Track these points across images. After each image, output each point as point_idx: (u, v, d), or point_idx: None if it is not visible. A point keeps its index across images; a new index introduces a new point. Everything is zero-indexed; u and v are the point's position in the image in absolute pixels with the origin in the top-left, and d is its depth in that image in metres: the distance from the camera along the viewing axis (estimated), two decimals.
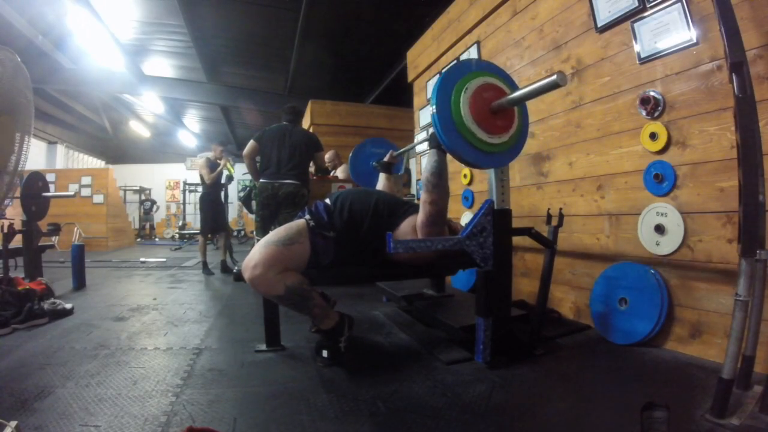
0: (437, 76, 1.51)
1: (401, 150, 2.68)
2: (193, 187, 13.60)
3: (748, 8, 1.48)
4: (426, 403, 1.32)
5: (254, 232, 3.59)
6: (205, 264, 4.60)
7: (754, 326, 1.22)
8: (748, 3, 1.49)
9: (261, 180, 3.33)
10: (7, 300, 2.27)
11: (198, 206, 4.82)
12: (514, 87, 1.58)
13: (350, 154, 3.03)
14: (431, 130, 1.50)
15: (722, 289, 1.59)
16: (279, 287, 1.55)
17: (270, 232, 1.72)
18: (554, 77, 1.23)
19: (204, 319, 2.48)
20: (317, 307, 1.65)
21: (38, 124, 10.34)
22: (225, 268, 4.59)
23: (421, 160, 4.14)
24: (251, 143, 3.42)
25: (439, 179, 1.56)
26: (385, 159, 2.51)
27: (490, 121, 1.48)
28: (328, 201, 1.80)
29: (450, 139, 1.42)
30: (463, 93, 1.44)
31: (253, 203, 4.10)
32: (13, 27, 5.70)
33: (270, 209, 3.27)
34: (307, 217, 1.71)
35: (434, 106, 1.42)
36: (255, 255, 1.57)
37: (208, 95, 8.49)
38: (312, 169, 3.65)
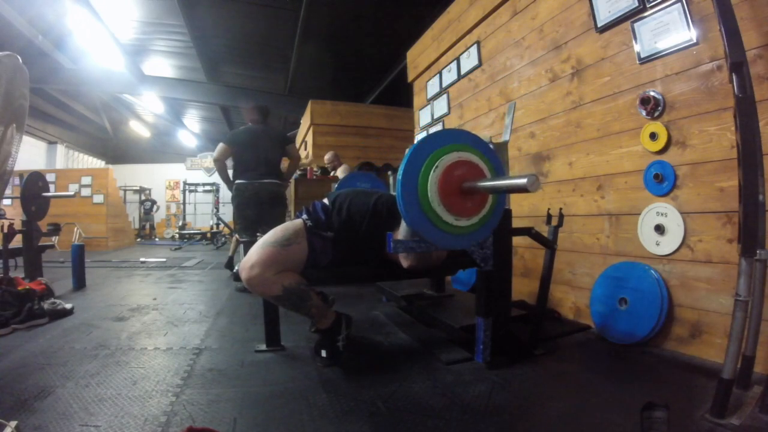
0: (411, 148, 1.41)
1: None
2: (193, 187, 13.63)
3: (748, 8, 1.48)
4: (426, 403, 1.32)
5: (237, 234, 3.53)
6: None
7: (754, 326, 1.22)
8: (748, 3, 1.49)
9: (239, 181, 3.31)
10: (7, 300, 2.27)
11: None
12: (494, 162, 1.44)
13: (344, 170, 3.03)
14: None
15: (722, 289, 1.59)
16: (276, 288, 1.55)
17: (257, 231, 1.71)
18: (524, 181, 1.11)
19: (204, 319, 2.48)
20: (315, 307, 1.65)
21: (38, 124, 10.36)
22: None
23: None
24: (221, 146, 3.36)
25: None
26: None
27: (459, 201, 1.36)
28: (326, 201, 1.79)
29: (412, 218, 1.32)
30: (432, 171, 1.32)
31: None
32: (13, 27, 5.71)
33: (255, 209, 3.27)
34: (305, 217, 1.71)
35: (400, 176, 1.32)
36: (252, 256, 1.57)
37: (208, 95, 8.50)
38: (284, 165, 3.62)
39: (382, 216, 1.71)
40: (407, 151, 1.36)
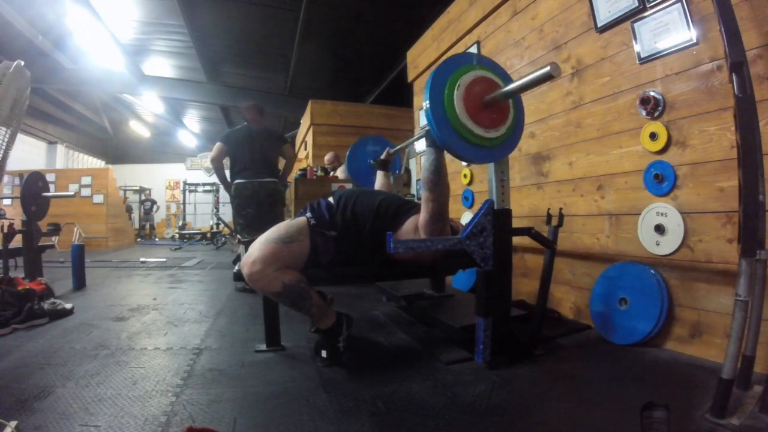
0: (430, 75, 1.47)
1: (398, 147, 2.67)
2: (192, 188, 13.63)
3: (748, 8, 1.48)
4: (426, 403, 1.32)
5: (238, 234, 3.52)
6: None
7: (754, 326, 1.22)
8: (748, 3, 1.49)
9: (238, 180, 3.31)
10: (7, 300, 2.27)
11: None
12: (507, 79, 1.57)
13: (347, 153, 3.02)
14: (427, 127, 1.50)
15: (722, 289, 1.59)
16: (277, 284, 1.55)
17: (257, 229, 1.72)
18: (548, 68, 1.22)
19: (204, 319, 2.48)
20: (315, 306, 1.65)
21: (38, 124, 10.36)
22: None
23: (421, 160, 4.14)
24: (218, 145, 3.38)
25: (438, 177, 1.55)
26: (382, 156, 2.51)
27: (484, 114, 1.48)
28: (331, 199, 1.79)
29: (443, 135, 1.42)
30: (456, 89, 1.43)
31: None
32: (13, 27, 5.71)
33: (253, 207, 3.27)
34: (308, 215, 1.71)
35: (427, 102, 1.42)
36: (254, 252, 1.58)
37: (208, 95, 8.50)
38: (281, 165, 3.63)
39: (387, 217, 1.71)
40: (427, 79, 1.45)
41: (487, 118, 1.48)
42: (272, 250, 1.57)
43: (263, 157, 3.31)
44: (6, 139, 1.77)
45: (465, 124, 1.43)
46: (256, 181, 3.26)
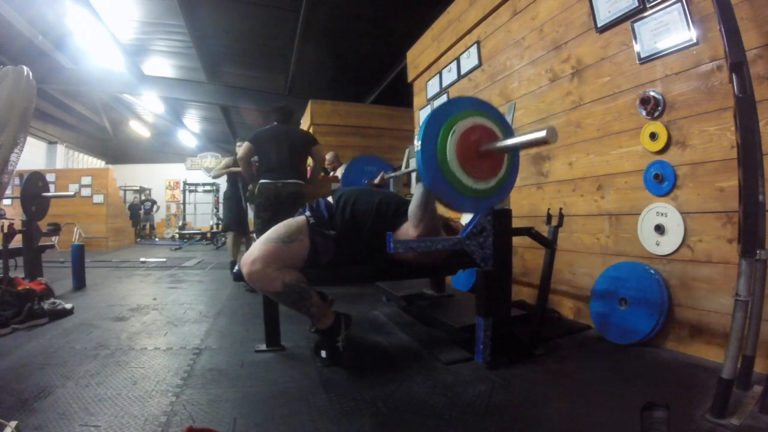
0: (427, 116, 1.43)
1: (392, 174, 2.73)
2: (192, 187, 13.63)
3: (748, 8, 1.48)
4: (426, 403, 1.32)
5: (254, 234, 3.57)
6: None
7: (754, 326, 1.22)
8: (748, 3, 1.49)
9: (262, 181, 3.31)
10: (7, 300, 2.27)
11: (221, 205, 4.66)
12: (505, 127, 1.49)
13: (344, 167, 3.06)
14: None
15: (722, 289, 1.59)
16: (277, 284, 1.55)
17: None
18: (544, 133, 1.16)
19: (204, 319, 2.48)
20: (314, 306, 1.65)
21: (38, 124, 10.36)
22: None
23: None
24: (246, 145, 3.39)
25: (423, 212, 1.53)
26: (376, 181, 2.59)
27: (477, 164, 1.40)
28: (330, 199, 1.79)
29: (432, 181, 1.35)
30: (450, 135, 1.35)
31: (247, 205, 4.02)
32: (13, 27, 5.71)
33: (272, 210, 3.27)
34: (308, 214, 1.71)
35: (419, 143, 1.35)
36: (254, 251, 1.58)
37: (208, 95, 8.50)
38: (310, 164, 3.62)
39: (386, 216, 1.71)
40: (423, 119, 1.40)
41: (479, 169, 1.41)
42: (272, 250, 1.57)
43: (290, 159, 3.30)
44: (14, 148, 1.78)
45: (455, 173, 1.36)
46: (279, 182, 3.24)
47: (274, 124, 3.49)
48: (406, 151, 3.03)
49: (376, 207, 1.72)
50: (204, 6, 5.29)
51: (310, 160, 4.85)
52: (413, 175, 5.30)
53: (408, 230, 1.62)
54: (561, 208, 1.92)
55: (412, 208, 1.55)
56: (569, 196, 2.33)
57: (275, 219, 3.20)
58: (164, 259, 6.08)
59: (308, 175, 3.89)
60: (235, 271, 1.68)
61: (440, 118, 1.38)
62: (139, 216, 11.41)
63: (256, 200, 3.39)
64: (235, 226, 4.55)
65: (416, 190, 1.56)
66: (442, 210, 1.79)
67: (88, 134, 12.96)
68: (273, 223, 3.18)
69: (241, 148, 3.42)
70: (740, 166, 1.19)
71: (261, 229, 3.30)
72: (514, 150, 1.48)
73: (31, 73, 1.85)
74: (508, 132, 1.50)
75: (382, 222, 1.68)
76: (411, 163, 5.38)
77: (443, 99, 3.64)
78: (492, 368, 1.59)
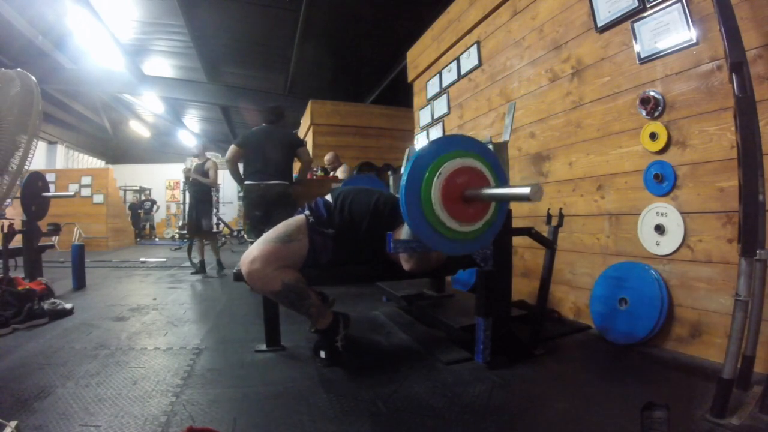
0: (413, 156, 1.39)
1: None
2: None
3: (748, 8, 1.48)
4: (426, 403, 1.32)
5: (245, 234, 3.59)
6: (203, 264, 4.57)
7: (754, 326, 1.22)
8: (748, 3, 1.49)
9: (247, 182, 3.34)
10: (7, 300, 2.27)
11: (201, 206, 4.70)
12: (496, 168, 1.45)
13: (344, 169, 3.04)
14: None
15: (722, 289, 1.59)
16: (276, 283, 1.55)
17: (264, 232, 1.72)
18: (527, 191, 1.13)
19: (204, 319, 2.48)
20: (313, 306, 1.65)
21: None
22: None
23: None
24: (233, 148, 3.42)
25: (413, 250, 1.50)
26: None
27: (462, 208, 1.36)
28: (329, 198, 1.79)
29: (414, 221, 1.32)
30: (436, 178, 1.31)
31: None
32: (13, 27, 5.71)
33: (261, 209, 3.29)
34: (307, 213, 1.71)
35: (404, 181, 1.32)
36: (254, 251, 1.58)
37: (208, 95, 8.50)
38: (297, 167, 3.63)
39: (383, 215, 1.71)
40: (410, 157, 1.37)
41: (464, 212, 1.37)
42: (272, 249, 1.57)
43: (274, 160, 3.31)
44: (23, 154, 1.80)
45: (438, 215, 1.32)
46: (263, 183, 3.26)
47: (262, 126, 3.51)
48: (407, 151, 3.03)
49: (373, 206, 1.72)
50: (204, 6, 5.29)
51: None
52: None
53: (401, 235, 1.62)
54: (561, 208, 1.92)
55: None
56: (569, 196, 2.33)
57: (265, 219, 3.24)
58: (164, 259, 6.08)
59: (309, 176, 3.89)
60: (235, 271, 1.68)
61: (427, 158, 1.34)
62: (139, 216, 11.41)
63: (243, 201, 3.42)
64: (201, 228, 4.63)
65: (405, 228, 1.51)
66: None
67: (88, 134, 12.96)
68: (264, 222, 3.22)
69: (228, 150, 3.46)
70: (740, 166, 1.19)
71: (251, 229, 3.32)
72: (497, 201, 1.43)
73: (35, 79, 1.87)
74: (498, 173, 1.44)
75: (379, 221, 1.68)
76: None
77: (443, 100, 3.64)
78: (492, 368, 1.59)
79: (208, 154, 4.94)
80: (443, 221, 1.33)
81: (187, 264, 4.92)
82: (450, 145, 1.40)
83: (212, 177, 4.59)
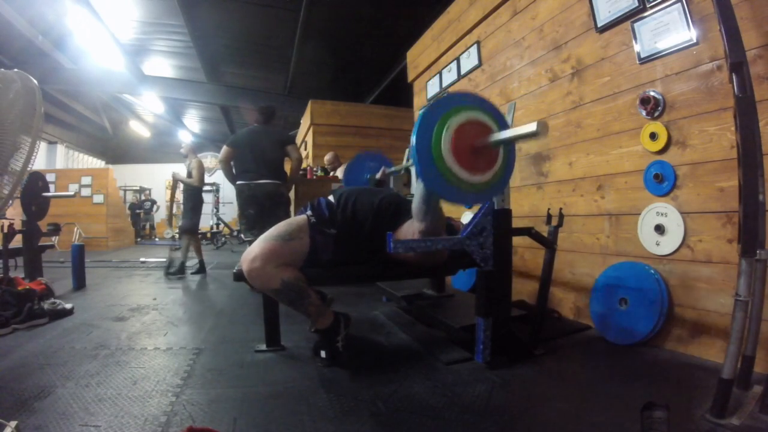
0: (420, 113, 1.44)
1: (393, 169, 2.73)
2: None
3: (748, 8, 1.48)
4: (426, 403, 1.32)
5: (243, 234, 3.60)
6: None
7: (754, 326, 1.22)
8: (748, 3, 1.49)
9: (239, 182, 3.36)
10: (7, 300, 2.27)
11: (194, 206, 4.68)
12: (499, 120, 1.50)
13: (346, 165, 3.07)
14: None
15: (722, 289, 1.59)
16: (275, 281, 1.55)
17: (260, 229, 1.73)
18: (534, 126, 1.18)
19: (204, 319, 2.48)
20: (313, 306, 1.65)
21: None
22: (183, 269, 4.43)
23: None
24: (225, 148, 3.45)
25: (427, 207, 1.52)
26: (378, 176, 2.59)
27: (472, 159, 1.41)
28: (331, 198, 1.79)
29: (427, 177, 1.36)
30: (445, 130, 1.37)
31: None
32: (13, 27, 5.71)
33: (254, 208, 3.30)
34: (309, 212, 1.71)
35: (414, 139, 1.36)
36: (254, 248, 1.58)
37: (208, 95, 8.50)
38: (288, 166, 3.63)
39: (386, 216, 1.71)
40: (418, 115, 1.40)
41: (475, 163, 1.42)
42: (272, 247, 1.57)
43: (263, 159, 3.32)
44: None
45: (450, 167, 1.37)
46: (253, 183, 3.27)
47: (253, 126, 3.53)
48: (407, 151, 3.03)
49: (376, 206, 1.72)
50: (204, 6, 5.29)
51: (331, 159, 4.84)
52: (413, 175, 5.30)
53: (410, 228, 1.62)
54: (561, 208, 1.92)
55: (416, 204, 1.55)
56: (569, 196, 2.33)
57: (259, 217, 3.24)
58: (164, 259, 6.07)
59: (308, 175, 3.89)
60: (235, 270, 1.68)
61: (434, 115, 1.39)
62: (138, 216, 11.40)
63: (237, 201, 3.44)
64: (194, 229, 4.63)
65: (417, 186, 1.56)
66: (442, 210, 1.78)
67: (88, 134, 12.95)
68: (260, 221, 3.22)
69: (221, 151, 3.49)
70: (740, 166, 1.19)
71: (247, 228, 3.33)
72: (506, 144, 1.49)
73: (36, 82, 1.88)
74: (502, 124, 1.51)
75: (383, 221, 1.68)
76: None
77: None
78: (492, 368, 1.59)
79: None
80: (456, 173, 1.38)
81: (188, 264, 4.92)
82: (454, 101, 1.46)
83: (195, 177, 4.53)
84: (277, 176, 3.37)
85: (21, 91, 1.79)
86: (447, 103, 1.44)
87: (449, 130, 1.37)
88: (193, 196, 4.63)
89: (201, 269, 4.50)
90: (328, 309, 1.75)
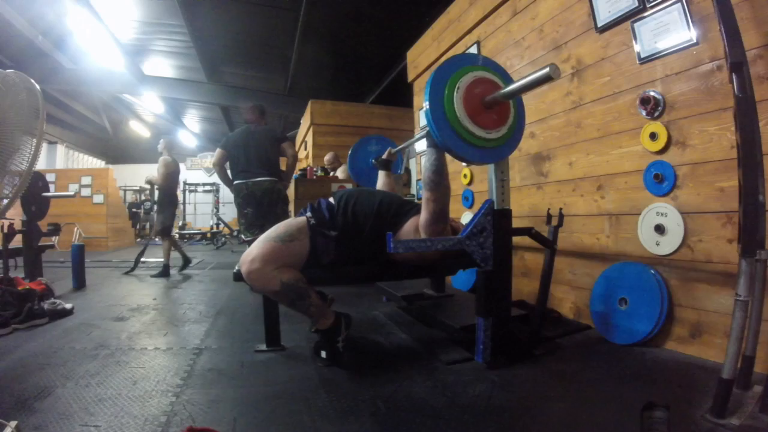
0: (430, 77, 1.47)
1: (399, 147, 2.68)
2: (193, 187, 13.63)
3: (748, 8, 1.48)
4: (426, 403, 1.32)
5: (242, 234, 3.60)
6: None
7: (754, 326, 1.22)
8: (748, 3, 1.49)
9: (236, 182, 3.37)
10: (7, 300, 2.27)
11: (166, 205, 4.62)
12: (507, 79, 1.57)
13: (350, 151, 3.04)
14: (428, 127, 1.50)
15: (722, 289, 1.59)
16: (275, 283, 1.55)
17: (261, 228, 1.73)
18: (546, 70, 1.22)
19: (204, 319, 2.48)
20: (313, 306, 1.65)
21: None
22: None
23: (421, 160, 4.14)
24: (217, 151, 3.47)
25: (439, 177, 1.54)
26: (384, 156, 2.52)
27: (485, 115, 1.48)
28: (332, 199, 1.79)
29: (444, 137, 1.42)
30: (456, 90, 1.44)
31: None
32: (13, 27, 5.71)
33: (252, 207, 3.30)
34: (308, 214, 1.71)
35: (426, 103, 1.42)
36: (253, 250, 1.58)
37: (208, 95, 8.50)
38: (284, 166, 3.63)
39: (387, 216, 1.71)
40: (427, 80, 1.45)
41: (488, 119, 1.48)
42: (271, 249, 1.57)
43: (258, 157, 3.32)
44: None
45: (465, 126, 1.43)
46: (251, 181, 3.27)
47: (244, 126, 3.53)
48: (407, 151, 3.03)
49: (376, 208, 1.72)
50: (204, 6, 5.29)
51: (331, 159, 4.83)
52: (413, 174, 5.30)
53: (413, 224, 1.65)
54: (561, 208, 1.92)
55: (427, 174, 1.55)
56: (569, 196, 2.33)
57: (259, 215, 3.24)
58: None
59: (309, 175, 3.88)
60: (235, 271, 1.68)
61: (443, 77, 1.44)
62: (137, 215, 11.39)
63: (234, 202, 3.44)
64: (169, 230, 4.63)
65: (428, 156, 1.56)
66: None
67: (88, 134, 12.95)
68: (258, 220, 3.22)
69: (214, 155, 3.50)
70: (740, 166, 1.19)
71: (246, 228, 3.34)
72: (519, 94, 1.53)
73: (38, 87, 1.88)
74: (508, 80, 1.55)
75: (383, 222, 1.69)
76: (411, 163, 5.38)
77: None
78: (492, 368, 1.59)
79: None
80: (471, 130, 1.44)
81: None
82: (460, 62, 1.53)
83: (158, 175, 4.51)
84: (274, 173, 3.37)
85: (22, 92, 1.80)
86: (453, 65, 1.49)
87: (460, 89, 1.43)
88: (162, 195, 4.61)
89: (164, 272, 4.35)
90: (329, 309, 1.75)
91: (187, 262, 4.67)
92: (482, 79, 1.50)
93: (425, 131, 1.51)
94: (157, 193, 4.80)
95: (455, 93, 1.43)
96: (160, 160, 4.55)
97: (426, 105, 1.43)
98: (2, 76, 1.78)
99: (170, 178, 4.60)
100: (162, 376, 1.55)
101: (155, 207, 4.54)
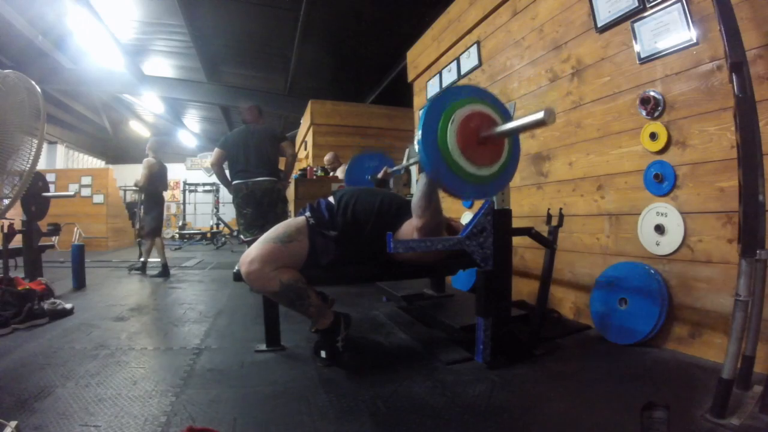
0: (425, 106, 1.44)
1: (395, 168, 2.73)
2: (192, 187, 13.62)
3: (748, 8, 1.48)
4: (426, 403, 1.32)
5: (241, 234, 3.60)
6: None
7: (754, 326, 1.22)
8: (748, 3, 1.49)
9: (235, 182, 3.35)
10: (7, 300, 2.27)
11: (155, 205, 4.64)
12: (504, 113, 1.51)
13: (348, 165, 3.08)
14: None
15: (722, 289, 1.59)
16: (274, 283, 1.55)
17: (261, 227, 1.73)
18: (541, 115, 1.17)
19: (204, 319, 2.48)
20: (313, 306, 1.65)
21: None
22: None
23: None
24: (216, 151, 3.44)
25: (427, 203, 1.52)
26: (379, 175, 2.60)
27: (478, 151, 1.41)
28: (331, 199, 1.79)
29: (434, 171, 1.37)
30: (450, 123, 1.37)
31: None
32: (13, 27, 5.70)
33: (252, 207, 3.29)
34: (308, 214, 1.71)
35: (419, 133, 1.37)
36: (252, 251, 1.58)
37: (208, 95, 8.49)
38: (282, 165, 3.63)
39: (388, 216, 1.71)
40: (421, 111, 1.41)
41: (481, 155, 1.42)
42: (270, 249, 1.57)
43: (259, 157, 3.31)
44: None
45: (457, 161, 1.37)
46: (250, 181, 3.27)
47: (242, 126, 3.52)
48: (406, 151, 3.03)
49: (377, 207, 1.72)
50: (204, 6, 5.29)
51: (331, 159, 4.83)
52: (413, 174, 5.30)
53: (411, 225, 1.62)
54: (561, 208, 1.92)
55: (416, 200, 1.55)
56: (569, 196, 2.33)
57: (259, 215, 3.24)
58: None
59: (309, 175, 3.87)
60: (235, 271, 1.68)
61: (439, 108, 1.39)
62: (135, 215, 11.38)
63: (233, 202, 3.43)
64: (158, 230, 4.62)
65: (420, 181, 1.56)
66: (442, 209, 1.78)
67: (88, 134, 12.94)
68: (258, 220, 3.22)
69: (212, 154, 3.48)
70: (740, 166, 1.19)
71: (246, 228, 3.33)
72: (514, 134, 1.50)
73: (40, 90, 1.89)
74: (506, 117, 1.51)
75: (384, 222, 1.68)
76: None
77: None
78: (492, 368, 1.59)
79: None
80: (462, 165, 1.38)
81: (187, 264, 4.94)
82: (457, 94, 1.47)
83: (140, 177, 4.53)
84: (273, 173, 3.36)
85: (23, 92, 1.80)
86: (451, 95, 1.45)
87: (455, 123, 1.38)
88: (146, 197, 4.63)
89: (164, 272, 4.36)
90: (329, 309, 1.75)
91: (144, 266, 4.57)
92: (478, 113, 1.44)
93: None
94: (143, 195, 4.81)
95: (449, 126, 1.37)
96: (144, 161, 4.56)
97: (418, 135, 1.37)
98: (2, 76, 1.78)
99: (153, 179, 4.65)
100: (162, 376, 1.55)
101: (141, 208, 4.53)
